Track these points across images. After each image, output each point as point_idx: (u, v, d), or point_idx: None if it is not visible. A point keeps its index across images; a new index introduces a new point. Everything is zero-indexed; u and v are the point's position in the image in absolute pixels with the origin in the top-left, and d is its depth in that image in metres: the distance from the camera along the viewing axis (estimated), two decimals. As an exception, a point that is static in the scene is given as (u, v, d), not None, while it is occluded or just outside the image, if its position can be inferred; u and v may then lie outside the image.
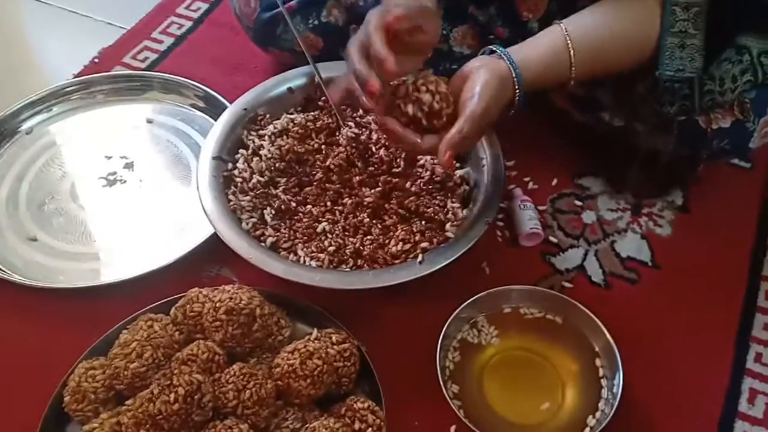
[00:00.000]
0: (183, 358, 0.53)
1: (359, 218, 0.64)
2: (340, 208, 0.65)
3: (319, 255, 0.61)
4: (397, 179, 0.66)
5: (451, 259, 0.59)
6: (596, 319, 0.58)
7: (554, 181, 0.74)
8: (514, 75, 0.56)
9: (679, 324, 0.63)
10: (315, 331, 0.57)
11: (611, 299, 0.65)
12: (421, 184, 0.66)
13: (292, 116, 0.72)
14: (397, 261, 0.61)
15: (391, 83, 0.55)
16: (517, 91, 0.56)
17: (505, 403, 0.56)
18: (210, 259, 0.66)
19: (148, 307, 0.60)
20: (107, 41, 0.90)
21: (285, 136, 0.70)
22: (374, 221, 0.64)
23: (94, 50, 0.89)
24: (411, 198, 0.65)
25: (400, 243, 0.61)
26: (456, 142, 0.52)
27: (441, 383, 0.55)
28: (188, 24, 0.93)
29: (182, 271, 0.65)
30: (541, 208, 0.71)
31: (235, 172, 0.68)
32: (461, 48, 0.74)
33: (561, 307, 0.60)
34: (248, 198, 0.65)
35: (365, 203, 0.65)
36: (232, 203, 0.65)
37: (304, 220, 0.64)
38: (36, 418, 0.54)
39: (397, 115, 0.55)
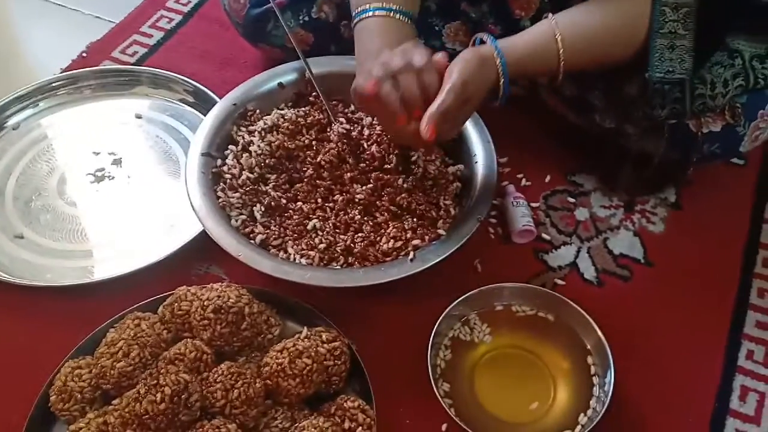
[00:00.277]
0: (170, 357, 0.52)
1: (350, 215, 0.63)
2: (331, 205, 0.65)
3: (310, 252, 0.61)
4: (388, 176, 0.66)
5: (443, 257, 0.59)
6: (588, 317, 0.58)
7: (547, 178, 0.74)
8: (496, 54, 0.55)
9: (672, 321, 0.63)
10: (305, 330, 0.56)
11: (604, 296, 0.65)
12: (413, 181, 0.66)
13: (282, 112, 0.71)
14: (388, 258, 0.60)
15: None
16: (501, 71, 0.56)
17: (497, 401, 0.56)
18: (199, 256, 0.66)
19: (135, 306, 0.59)
20: (95, 35, 0.89)
21: (275, 132, 0.69)
22: (365, 218, 0.63)
23: (82, 44, 0.88)
24: (403, 195, 0.64)
25: (392, 240, 0.61)
26: (437, 114, 0.52)
27: (432, 381, 0.54)
28: (178, 18, 0.92)
29: (171, 269, 0.64)
30: (534, 205, 0.71)
31: (225, 168, 0.67)
32: (453, 44, 0.73)
33: (553, 304, 0.60)
34: (238, 195, 0.65)
35: (356, 200, 0.64)
36: (221, 200, 0.64)
37: (295, 217, 0.64)
38: (22, 418, 0.54)
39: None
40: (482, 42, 0.58)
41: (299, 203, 0.65)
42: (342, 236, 0.62)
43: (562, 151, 0.75)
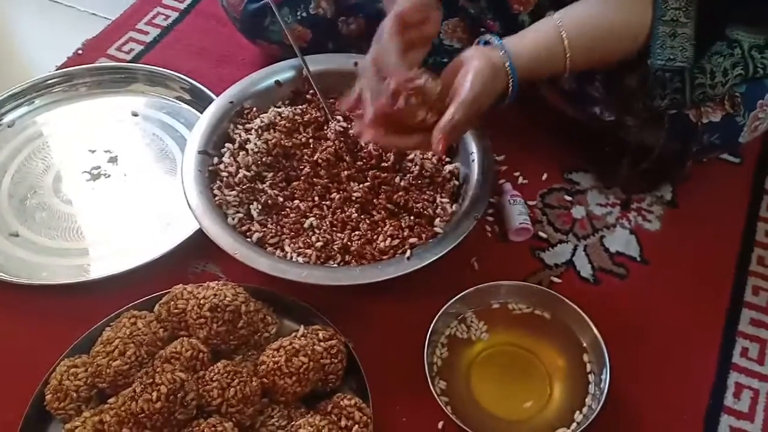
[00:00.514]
0: (166, 356, 0.52)
1: (347, 213, 0.63)
2: (328, 203, 0.65)
3: (306, 251, 0.61)
4: (385, 174, 0.66)
5: (440, 255, 0.59)
6: (584, 315, 0.58)
7: (544, 176, 0.74)
8: (507, 65, 0.55)
9: (667, 319, 0.63)
10: (301, 328, 0.56)
11: (600, 294, 0.65)
12: (410, 179, 0.66)
13: (279, 110, 0.71)
14: (385, 257, 0.60)
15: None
16: (511, 81, 0.56)
17: (493, 399, 0.56)
18: (196, 255, 0.66)
19: (131, 304, 0.59)
20: (91, 32, 0.88)
21: (272, 130, 0.69)
22: (362, 216, 0.63)
23: (78, 41, 0.87)
24: (400, 193, 0.64)
25: (389, 238, 0.61)
26: (448, 128, 0.52)
27: (428, 379, 0.54)
28: (174, 15, 0.91)
29: (167, 267, 0.64)
30: (530, 203, 0.71)
31: (221, 166, 0.67)
32: (451, 41, 0.73)
33: (549, 302, 0.60)
34: (234, 193, 0.64)
35: (353, 198, 0.64)
36: (217, 198, 0.64)
37: (291, 215, 0.63)
38: (17, 417, 0.54)
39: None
40: (487, 42, 0.57)
41: (296, 201, 0.65)
42: (339, 234, 0.62)
43: (559, 149, 0.75)
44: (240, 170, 0.66)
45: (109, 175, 0.73)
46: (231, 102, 0.71)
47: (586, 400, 0.55)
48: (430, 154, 0.67)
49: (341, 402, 0.53)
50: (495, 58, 0.55)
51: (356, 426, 0.51)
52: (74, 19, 0.93)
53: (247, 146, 0.68)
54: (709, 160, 0.72)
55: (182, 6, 0.92)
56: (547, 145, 0.76)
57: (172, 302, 0.56)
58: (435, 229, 0.62)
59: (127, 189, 0.72)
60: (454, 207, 0.64)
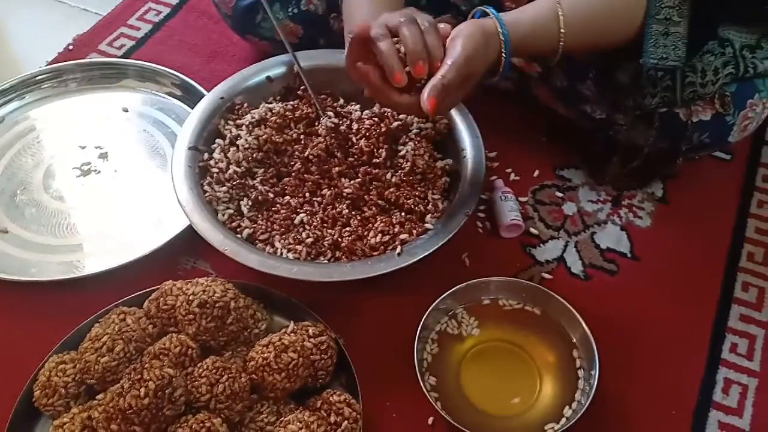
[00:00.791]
0: (155, 352, 0.52)
1: (338, 209, 0.63)
2: (319, 199, 0.64)
3: (297, 247, 0.60)
4: (377, 170, 0.65)
5: (430, 251, 0.59)
6: (574, 311, 0.58)
7: (536, 173, 0.74)
8: (500, 31, 0.54)
9: (657, 315, 0.63)
10: (291, 324, 0.56)
11: (590, 291, 0.65)
12: (402, 176, 0.65)
13: (270, 105, 0.71)
14: (375, 253, 0.60)
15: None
16: (503, 50, 0.54)
17: (483, 395, 0.56)
18: (186, 251, 0.65)
19: (121, 300, 0.59)
20: (82, 28, 0.88)
21: (263, 126, 0.69)
22: (353, 212, 0.63)
23: (69, 37, 0.87)
24: (391, 189, 0.64)
25: (379, 234, 0.61)
26: (439, 88, 0.51)
27: (418, 375, 0.54)
28: (166, 10, 0.91)
29: (157, 264, 0.64)
30: (522, 199, 0.71)
31: (212, 162, 0.66)
32: (443, 38, 0.73)
33: (539, 298, 0.60)
34: (224, 189, 0.64)
35: (344, 194, 0.64)
36: (207, 194, 0.64)
37: (282, 211, 0.63)
38: (6, 413, 0.53)
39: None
40: (483, 14, 0.56)
41: (287, 197, 0.64)
42: (329, 230, 0.62)
43: (550, 145, 0.75)
44: (230, 166, 0.66)
45: (99, 171, 0.73)
46: (222, 98, 0.70)
47: (576, 395, 0.56)
48: (421, 150, 0.67)
49: (331, 398, 0.53)
50: (488, 25, 0.54)
51: (345, 422, 0.51)
52: (65, 15, 0.93)
53: (237, 142, 0.68)
54: (700, 157, 0.73)
55: (174, 2, 0.92)
56: (539, 142, 0.76)
57: (162, 298, 0.56)
58: (426, 225, 0.62)
59: (117, 185, 0.72)
60: (445, 203, 0.64)
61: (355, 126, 0.69)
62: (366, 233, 0.61)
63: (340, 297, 0.62)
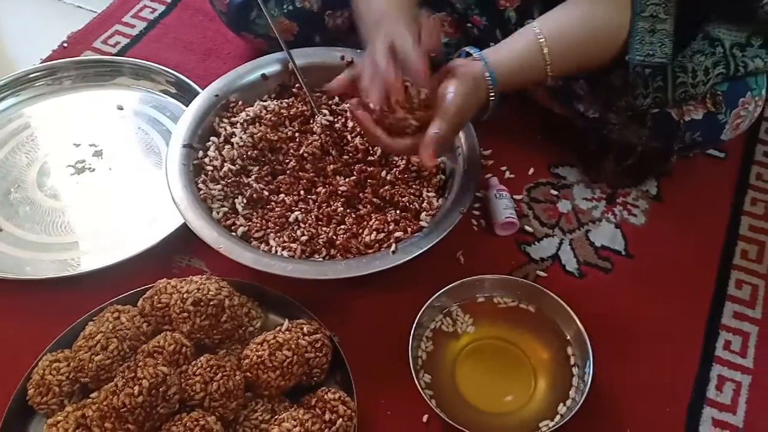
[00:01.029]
0: (149, 350, 0.52)
1: (333, 207, 0.63)
2: (314, 197, 0.64)
3: (292, 245, 0.60)
4: (372, 168, 0.65)
5: (425, 249, 0.59)
6: (568, 308, 0.58)
7: (531, 171, 0.74)
8: (487, 75, 0.56)
9: (651, 312, 0.64)
10: (286, 322, 0.56)
11: (585, 288, 0.65)
12: (397, 173, 0.65)
13: (265, 103, 0.71)
14: (370, 250, 0.60)
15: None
16: (491, 92, 0.56)
17: (478, 392, 0.57)
18: (181, 249, 0.65)
19: (115, 299, 0.58)
20: (77, 25, 0.88)
21: (258, 124, 0.68)
22: (348, 210, 0.63)
23: (63, 34, 0.86)
24: (386, 187, 0.64)
25: (374, 232, 0.61)
26: (434, 141, 0.53)
27: (413, 373, 0.54)
28: (161, 8, 0.91)
29: (152, 262, 0.64)
30: (517, 197, 0.71)
31: (206, 160, 0.66)
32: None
33: (534, 296, 0.60)
34: (219, 187, 0.64)
35: (339, 192, 0.64)
36: (202, 192, 0.64)
37: (277, 209, 0.63)
38: (0, 411, 0.53)
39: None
40: (468, 54, 0.58)
41: (281, 195, 0.64)
42: (324, 228, 0.62)
43: (545, 143, 0.76)
44: (225, 164, 0.66)
45: (93, 169, 0.73)
46: (216, 95, 0.70)
47: (570, 392, 0.56)
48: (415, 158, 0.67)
49: (325, 396, 0.53)
50: (476, 70, 0.56)
51: (340, 420, 0.51)
52: (59, 12, 0.92)
53: (232, 140, 0.67)
54: (694, 155, 0.73)
55: (169, -1, 0.92)
56: (534, 140, 0.76)
57: (156, 296, 0.56)
58: (421, 223, 0.62)
59: (112, 183, 0.72)
60: (440, 201, 0.64)
61: (350, 124, 0.68)
62: (361, 231, 0.61)
63: (335, 295, 0.62)
